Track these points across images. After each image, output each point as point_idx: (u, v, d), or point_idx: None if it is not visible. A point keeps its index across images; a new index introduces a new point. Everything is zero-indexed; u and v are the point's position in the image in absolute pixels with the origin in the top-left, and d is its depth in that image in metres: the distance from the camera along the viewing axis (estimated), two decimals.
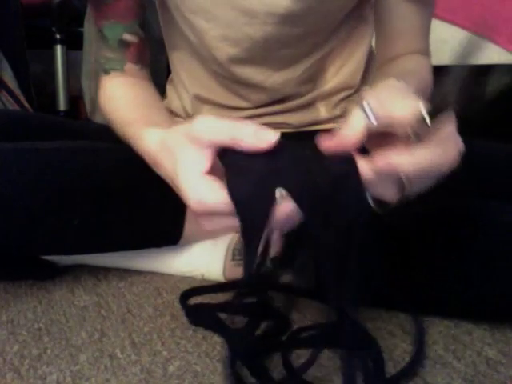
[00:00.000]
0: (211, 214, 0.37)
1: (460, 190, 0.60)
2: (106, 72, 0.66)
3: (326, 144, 0.38)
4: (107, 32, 0.63)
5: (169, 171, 0.42)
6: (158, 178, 0.56)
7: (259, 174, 0.37)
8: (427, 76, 0.63)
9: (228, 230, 0.39)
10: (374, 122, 0.37)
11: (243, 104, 0.69)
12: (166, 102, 0.81)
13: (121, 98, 0.63)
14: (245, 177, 0.37)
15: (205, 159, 0.37)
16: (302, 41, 0.63)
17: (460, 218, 0.52)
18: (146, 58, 0.68)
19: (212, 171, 0.38)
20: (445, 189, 0.61)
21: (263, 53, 0.62)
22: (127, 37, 0.64)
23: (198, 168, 0.37)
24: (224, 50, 0.63)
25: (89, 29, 1.25)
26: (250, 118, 0.71)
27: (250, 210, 0.37)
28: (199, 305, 0.57)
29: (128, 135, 0.56)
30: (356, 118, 0.37)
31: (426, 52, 0.68)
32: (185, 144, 0.38)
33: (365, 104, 0.37)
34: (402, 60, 0.65)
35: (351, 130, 0.37)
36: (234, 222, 0.37)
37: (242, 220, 0.37)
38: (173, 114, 0.79)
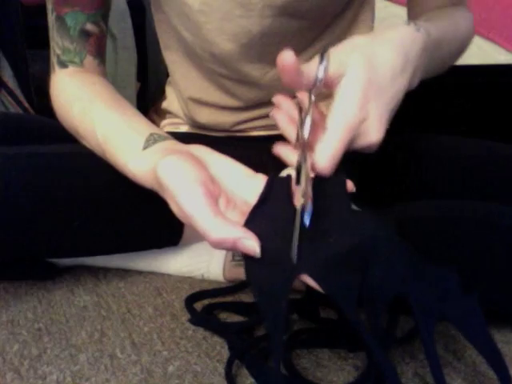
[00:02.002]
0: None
1: (459, 192, 0.60)
2: (63, 65, 0.62)
3: (286, 72, 0.40)
4: (69, 20, 0.60)
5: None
6: None
7: (276, 261, 0.37)
8: (457, 19, 0.59)
9: None
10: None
11: (239, 104, 0.69)
12: (165, 103, 0.81)
13: (85, 99, 0.59)
14: (262, 263, 0.37)
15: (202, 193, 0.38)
16: (301, 34, 0.63)
17: (459, 220, 0.52)
18: (104, 52, 0.65)
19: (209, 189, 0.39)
20: (443, 190, 0.62)
21: (261, 48, 0.62)
22: (89, 27, 0.61)
23: (206, 208, 0.38)
24: (221, 46, 0.62)
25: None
26: (251, 119, 0.71)
27: (268, 297, 0.37)
28: (204, 308, 0.57)
29: (108, 152, 0.53)
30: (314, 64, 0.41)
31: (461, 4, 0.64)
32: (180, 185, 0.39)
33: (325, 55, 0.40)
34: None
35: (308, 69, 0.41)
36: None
37: (260, 305, 0.37)
38: (172, 115, 0.79)
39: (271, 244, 0.38)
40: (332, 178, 0.42)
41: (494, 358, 0.39)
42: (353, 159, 0.55)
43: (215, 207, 0.38)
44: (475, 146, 0.65)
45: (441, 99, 1.24)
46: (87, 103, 0.58)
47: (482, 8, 1.19)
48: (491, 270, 0.49)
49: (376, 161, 0.66)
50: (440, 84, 1.25)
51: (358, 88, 0.40)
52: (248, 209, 0.40)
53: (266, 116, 0.70)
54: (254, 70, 0.65)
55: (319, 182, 0.42)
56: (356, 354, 0.48)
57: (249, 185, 0.42)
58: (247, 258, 0.38)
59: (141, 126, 0.53)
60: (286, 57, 0.39)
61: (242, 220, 0.40)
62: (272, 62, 0.64)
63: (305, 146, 0.40)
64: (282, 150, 0.44)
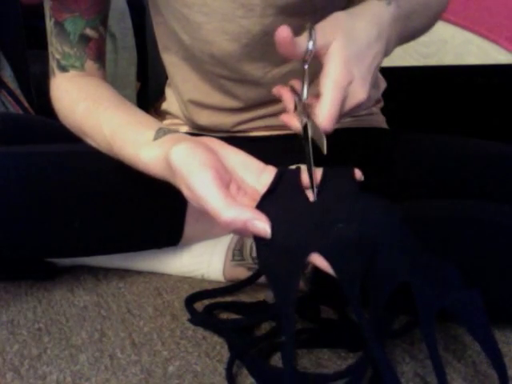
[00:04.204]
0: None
1: (459, 192, 0.60)
2: (64, 69, 0.63)
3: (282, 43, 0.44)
4: (69, 26, 0.61)
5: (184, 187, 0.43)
6: (158, 180, 0.56)
7: (286, 244, 0.38)
8: None
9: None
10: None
11: (239, 104, 0.69)
12: (165, 104, 0.81)
13: (89, 99, 0.59)
14: (272, 247, 0.38)
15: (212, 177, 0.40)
16: (302, 33, 0.62)
17: (459, 220, 0.52)
18: (104, 56, 0.66)
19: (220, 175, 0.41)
20: (442, 190, 0.62)
21: (262, 48, 0.62)
22: (89, 32, 0.62)
23: (216, 190, 0.39)
24: (222, 46, 0.62)
25: None
26: (252, 120, 0.71)
27: (280, 279, 0.38)
28: (204, 308, 0.57)
29: (117, 145, 0.53)
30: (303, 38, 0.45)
31: None
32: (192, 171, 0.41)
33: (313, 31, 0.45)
34: None
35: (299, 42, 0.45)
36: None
37: (273, 285, 0.39)
38: (172, 115, 0.79)
39: (281, 228, 0.38)
40: (341, 168, 0.45)
41: (493, 349, 0.39)
42: (353, 159, 0.55)
43: (226, 190, 0.40)
44: (475, 145, 0.65)
45: (441, 99, 1.24)
46: (92, 102, 0.58)
47: (482, 8, 1.19)
48: (492, 269, 0.49)
49: (376, 161, 0.66)
50: (440, 84, 1.25)
51: (343, 55, 0.45)
52: (258, 197, 0.42)
53: (267, 116, 0.70)
54: (255, 70, 0.64)
55: (329, 171, 0.44)
56: (356, 354, 0.48)
57: (259, 175, 0.44)
58: (258, 242, 0.39)
59: (149, 121, 0.54)
60: (282, 31, 0.43)
61: (252, 205, 0.41)
62: (274, 60, 0.64)
63: (306, 108, 0.46)
64: (286, 119, 0.48)
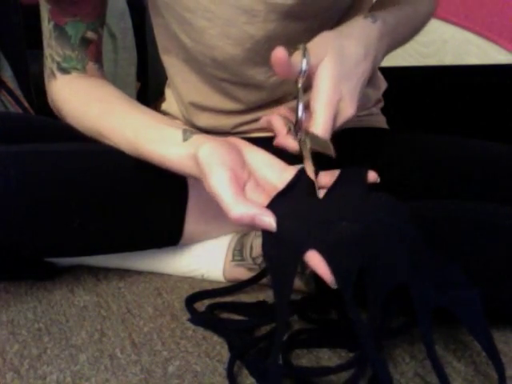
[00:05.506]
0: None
1: (459, 192, 0.60)
2: (65, 71, 0.64)
3: (277, 64, 0.46)
4: (70, 29, 0.62)
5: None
6: (158, 180, 0.56)
7: (286, 238, 0.40)
8: (416, 5, 0.66)
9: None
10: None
11: (240, 107, 0.69)
12: (164, 105, 0.81)
13: (103, 100, 0.61)
14: (274, 240, 0.41)
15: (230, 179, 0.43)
16: (305, 35, 0.62)
17: (459, 220, 0.52)
18: (101, 56, 0.67)
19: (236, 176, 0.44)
20: (442, 190, 0.62)
21: (265, 52, 0.62)
22: (89, 34, 0.63)
23: (232, 189, 0.42)
24: (224, 50, 0.62)
25: None
26: (252, 121, 0.71)
27: (279, 270, 0.40)
28: (205, 308, 0.57)
29: (140, 145, 0.54)
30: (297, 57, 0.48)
31: None
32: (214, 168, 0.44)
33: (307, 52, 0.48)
34: None
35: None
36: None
37: (272, 277, 0.41)
38: (171, 116, 0.79)
39: (286, 223, 0.40)
40: (355, 169, 0.47)
41: (490, 347, 0.40)
42: (353, 159, 0.56)
43: (238, 189, 0.43)
44: (475, 145, 0.65)
45: (441, 99, 1.24)
46: (105, 103, 0.60)
47: (482, 8, 1.19)
48: (491, 270, 0.49)
49: (376, 161, 0.66)
50: (440, 84, 1.25)
51: (332, 74, 0.48)
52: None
53: None
54: (257, 74, 0.64)
55: (344, 172, 0.46)
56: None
57: (281, 174, 0.47)
58: (264, 235, 0.41)
59: (170, 121, 0.56)
60: (279, 52, 0.45)
61: (266, 202, 0.44)
62: None
63: (301, 125, 0.48)
64: (281, 140, 0.50)
